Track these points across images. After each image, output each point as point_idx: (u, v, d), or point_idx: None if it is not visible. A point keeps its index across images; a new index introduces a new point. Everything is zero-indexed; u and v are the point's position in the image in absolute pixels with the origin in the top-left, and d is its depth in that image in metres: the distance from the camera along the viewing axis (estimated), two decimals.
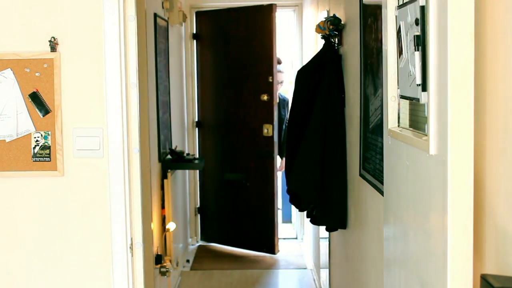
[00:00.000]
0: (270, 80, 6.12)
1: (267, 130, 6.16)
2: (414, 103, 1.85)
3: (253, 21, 6.33)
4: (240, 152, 6.49)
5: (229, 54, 6.53)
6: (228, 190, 6.56)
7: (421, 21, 1.57)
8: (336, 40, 3.77)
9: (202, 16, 6.67)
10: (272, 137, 6.18)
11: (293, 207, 6.27)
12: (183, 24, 6.41)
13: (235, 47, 6.50)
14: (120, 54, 2.48)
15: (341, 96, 3.62)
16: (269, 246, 6.34)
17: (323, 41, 3.90)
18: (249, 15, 6.35)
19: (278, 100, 6.43)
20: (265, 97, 6.15)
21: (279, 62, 6.47)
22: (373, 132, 2.81)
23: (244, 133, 6.41)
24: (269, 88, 6.15)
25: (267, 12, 6.13)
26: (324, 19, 3.81)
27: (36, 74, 2.48)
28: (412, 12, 1.65)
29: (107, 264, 2.55)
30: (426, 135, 1.56)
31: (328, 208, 3.66)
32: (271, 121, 6.18)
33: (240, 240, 6.56)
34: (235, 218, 6.59)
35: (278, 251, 6.38)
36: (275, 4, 6.12)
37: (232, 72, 6.50)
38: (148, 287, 3.67)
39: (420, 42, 1.58)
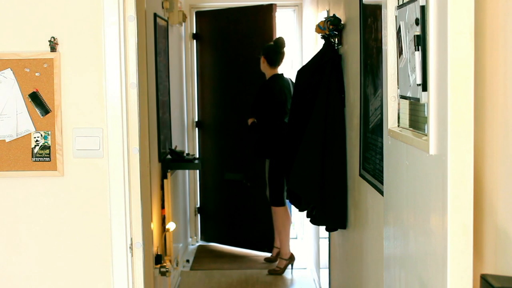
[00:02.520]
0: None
1: None
2: (414, 103, 1.85)
3: (253, 21, 6.28)
4: (240, 152, 6.46)
5: (229, 54, 6.52)
6: (228, 190, 6.53)
7: (421, 21, 1.57)
8: (336, 40, 3.77)
9: (202, 16, 6.67)
10: None
11: (293, 207, 6.26)
12: (183, 24, 6.41)
13: (236, 47, 6.49)
14: (120, 54, 2.48)
15: (341, 96, 3.62)
16: (269, 246, 6.30)
17: (323, 41, 3.90)
18: (249, 15, 6.31)
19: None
20: None
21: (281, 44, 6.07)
22: (373, 132, 2.81)
23: (243, 133, 6.36)
24: None
25: (267, 12, 6.06)
26: (324, 19, 3.81)
27: (36, 74, 2.48)
28: (412, 12, 1.65)
29: (107, 264, 2.55)
30: (426, 135, 1.56)
31: (328, 208, 3.65)
32: None
33: (240, 239, 6.54)
34: (236, 217, 6.57)
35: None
36: (275, 4, 6.06)
37: (232, 72, 6.50)
38: (148, 287, 3.67)
39: (420, 42, 1.58)
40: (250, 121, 5.85)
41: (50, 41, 2.48)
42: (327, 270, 4.48)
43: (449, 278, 1.42)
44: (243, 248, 6.51)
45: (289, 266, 5.93)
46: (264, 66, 5.78)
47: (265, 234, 6.33)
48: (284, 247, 5.89)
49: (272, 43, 5.85)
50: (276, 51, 5.73)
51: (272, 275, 5.81)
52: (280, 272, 5.84)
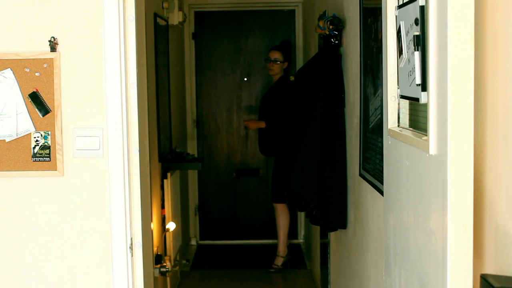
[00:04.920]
0: None
1: None
2: (414, 103, 1.85)
3: (254, 23, 6.61)
4: (240, 151, 6.71)
5: (229, 54, 6.72)
6: (233, 186, 6.80)
7: (421, 21, 1.57)
8: (336, 40, 3.77)
9: (202, 16, 6.72)
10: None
11: None
12: (183, 24, 6.42)
13: (235, 47, 6.68)
14: (120, 54, 2.48)
15: (341, 96, 3.62)
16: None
17: (323, 41, 3.89)
18: (250, 17, 6.56)
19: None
20: None
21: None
22: (373, 132, 2.81)
23: (242, 133, 6.73)
24: None
25: (289, 17, 6.54)
26: (324, 19, 3.81)
27: (36, 74, 2.48)
28: (412, 12, 1.65)
29: (107, 264, 2.55)
30: (426, 135, 1.56)
31: (328, 208, 3.65)
32: None
33: (251, 232, 6.83)
34: (236, 212, 6.82)
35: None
36: (294, 10, 6.57)
37: (232, 72, 6.69)
38: (148, 287, 3.67)
39: (420, 42, 1.58)
40: (253, 124, 5.86)
41: (50, 41, 2.48)
42: (327, 270, 4.48)
43: (449, 278, 1.42)
44: (245, 240, 6.82)
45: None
46: (282, 66, 5.77)
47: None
48: (281, 244, 5.91)
49: (288, 45, 6.02)
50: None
51: (271, 273, 5.81)
52: (277, 270, 5.85)
